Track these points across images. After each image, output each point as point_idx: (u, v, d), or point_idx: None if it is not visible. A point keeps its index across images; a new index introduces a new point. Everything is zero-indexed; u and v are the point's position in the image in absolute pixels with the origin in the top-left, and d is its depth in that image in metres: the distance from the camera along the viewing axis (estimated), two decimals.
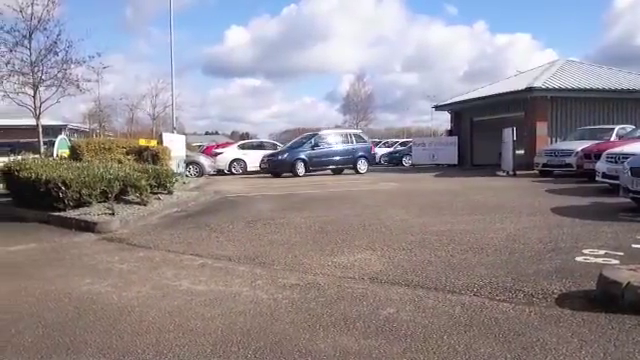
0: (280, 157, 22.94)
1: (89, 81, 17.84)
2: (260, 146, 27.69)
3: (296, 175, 21.92)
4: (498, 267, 5.38)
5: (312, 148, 22.92)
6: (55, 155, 17.74)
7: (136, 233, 8.08)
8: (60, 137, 23.43)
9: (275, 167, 22.74)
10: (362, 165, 23.75)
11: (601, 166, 11.63)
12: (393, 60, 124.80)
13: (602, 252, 5.83)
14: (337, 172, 23.49)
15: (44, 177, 9.29)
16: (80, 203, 9.37)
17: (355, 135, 25.20)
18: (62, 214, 9.05)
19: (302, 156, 22.62)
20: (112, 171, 10.39)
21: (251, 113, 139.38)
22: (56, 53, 16.53)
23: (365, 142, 25.02)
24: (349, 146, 23.79)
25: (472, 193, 12.66)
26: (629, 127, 17.76)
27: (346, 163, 23.83)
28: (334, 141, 23.79)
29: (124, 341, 3.65)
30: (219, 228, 8.34)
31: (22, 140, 22.00)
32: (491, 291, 4.59)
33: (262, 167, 23.44)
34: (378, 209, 10.11)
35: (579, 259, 5.57)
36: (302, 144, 23.54)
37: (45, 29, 16.35)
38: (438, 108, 33.21)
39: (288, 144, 25.67)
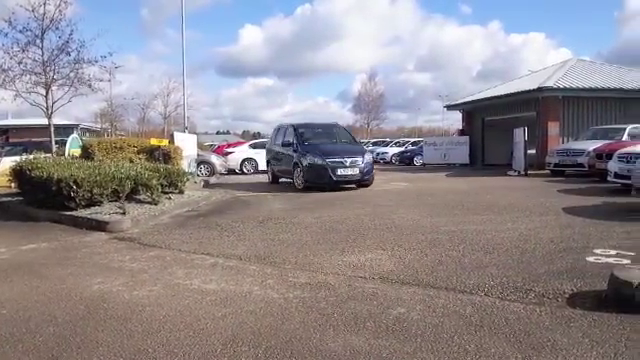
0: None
1: (101, 81, 17.90)
2: None
3: None
4: (509, 267, 5.36)
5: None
6: (67, 154, 17.86)
7: (147, 232, 8.11)
8: (72, 136, 23.56)
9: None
10: None
11: (613, 166, 11.56)
12: (406, 60, 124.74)
13: (613, 252, 5.80)
14: None
15: (56, 176, 9.35)
16: (91, 202, 9.43)
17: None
18: (73, 213, 9.11)
19: None
20: (123, 170, 10.44)
21: (263, 113, 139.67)
22: (68, 53, 16.59)
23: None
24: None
25: (483, 193, 12.61)
26: None
27: None
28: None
29: (135, 340, 3.67)
30: (230, 227, 8.36)
31: (34, 139, 22.18)
32: (502, 291, 4.57)
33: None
34: (389, 209, 10.10)
35: (590, 259, 5.54)
36: None
37: (57, 29, 16.43)
38: (450, 108, 33.07)
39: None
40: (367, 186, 14.67)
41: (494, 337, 3.55)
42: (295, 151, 15.11)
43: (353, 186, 14.51)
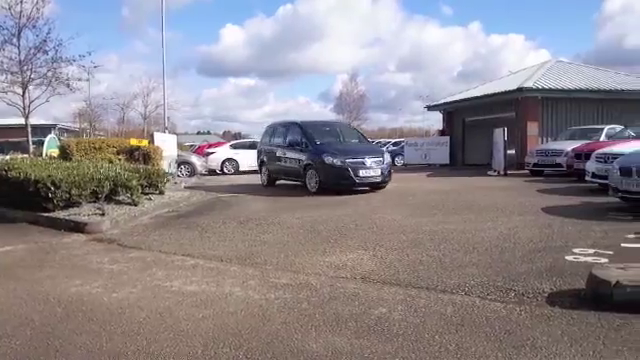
0: None
1: (80, 80, 17.74)
2: (252, 146, 27.41)
3: None
4: (489, 266, 5.40)
5: None
6: (44, 155, 17.65)
7: (127, 233, 8.03)
8: (49, 136, 23.33)
9: None
10: None
11: (591, 166, 11.69)
12: (388, 60, 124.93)
13: (592, 251, 5.87)
14: None
15: (33, 177, 9.21)
16: (70, 203, 9.31)
17: None
18: (51, 214, 8.98)
19: None
20: (102, 171, 10.33)
21: (244, 113, 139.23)
22: (46, 52, 16.43)
23: None
24: None
25: (464, 193, 12.69)
26: (618, 127, 17.81)
27: None
28: None
29: (114, 343, 3.63)
30: (211, 228, 8.31)
31: (11, 139, 21.91)
32: (482, 290, 4.60)
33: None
34: (370, 209, 10.11)
35: (569, 258, 5.60)
36: None
37: (34, 27, 16.26)
38: (431, 108, 33.22)
39: None
40: (382, 188, 13.65)
41: (475, 336, 3.57)
42: (304, 151, 13.95)
43: (366, 188, 13.43)
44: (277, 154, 15.53)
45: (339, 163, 12.94)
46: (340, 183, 12.94)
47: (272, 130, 16.66)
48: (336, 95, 75.19)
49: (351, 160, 13.04)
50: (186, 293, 4.81)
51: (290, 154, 14.72)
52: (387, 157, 13.90)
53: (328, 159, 13.05)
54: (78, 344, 3.62)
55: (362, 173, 12.95)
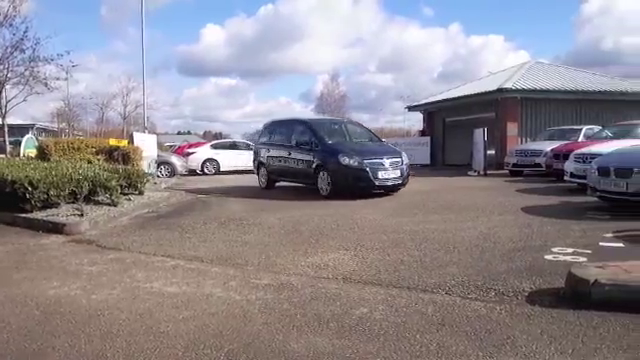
0: None
1: (58, 79, 17.54)
2: (233, 146, 27.47)
3: None
4: (470, 266, 5.43)
5: None
6: (22, 155, 17.42)
7: (106, 234, 7.95)
8: (27, 136, 23.04)
9: None
10: None
11: (569, 166, 11.85)
12: (369, 61, 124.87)
13: (570, 250, 5.93)
14: None
15: (10, 177, 9.08)
16: (48, 204, 9.18)
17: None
18: (29, 215, 8.85)
19: None
20: (81, 171, 10.21)
21: (225, 113, 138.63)
22: (23, 50, 16.24)
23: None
24: None
25: (444, 193, 12.77)
26: (596, 128, 18.07)
27: None
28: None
29: (93, 345, 3.58)
30: (191, 229, 8.26)
31: None
32: (463, 290, 4.63)
33: None
34: (351, 209, 10.12)
35: (548, 257, 5.66)
36: None
37: (11, 25, 16.04)
38: (411, 109, 33.42)
39: None
40: (397, 190, 12.60)
41: (455, 335, 3.58)
42: (313, 151, 12.85)
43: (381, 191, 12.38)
44: (279, 154, 14.44)
45: (356, 164, 11.93)
46: (357, 186, 11.96)
47: (272, 128, 15.68)
48: (317, 95, 75.26)
49: (369, 161, 12.02)
50: (166, 294, 4.77)
51: (296, 154, 13.58)
52: (405, 157, 12.82)
53: (344, 160, 12.00)
54: (56, 346, 3.57)
55: (381, 175, 11.98)
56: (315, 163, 12.74)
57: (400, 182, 12.33)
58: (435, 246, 6.45)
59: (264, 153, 15.31)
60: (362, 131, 14.87)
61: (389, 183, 12.17)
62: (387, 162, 12.19)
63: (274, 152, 14.75)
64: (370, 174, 11.83)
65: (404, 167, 12.47)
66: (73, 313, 4.28)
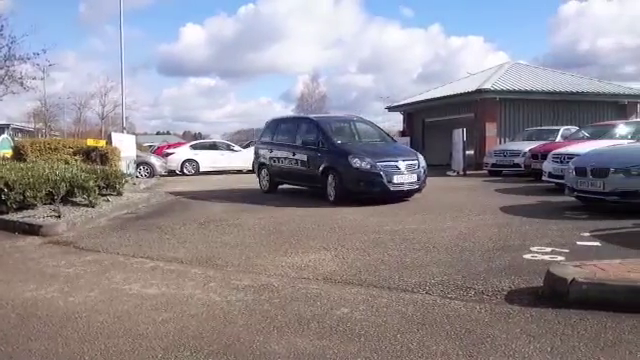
0: None
1: (34, 79, 17.28)
2: (213, 146, 27.32)
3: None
4: (449, 265, 5.46)
5: None
6: None
7: (84, 236, 7.85)
8: (2, 137, 22.68)
9: None
10: None
11: (547, 166, 11.98)
12: (349, 61, 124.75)
13: (549, 249, 5.99)
14: None
15: None
16: (24, 205, 9.04)
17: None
18: (4, 217, 8.71)
19: None
20: (58, 172, 10.06)
21: (205, 113, 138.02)
22: None
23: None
24: None
25: (424, 193, 12.80)
26: (573, 128, 18.33)
27: None
28: None
29: (70, 348, 3.53)
30: (170, 230, 8.19)
31: None
32: (443, 289, 4.65)
33: None
34: (331, 209, 10.12)
35: (527, 256, 5.71)
36: None
37: None
38: (391, 109, 33.56)
39: None
40: (411, 196, 11.48)
41: (436, 335, 3.59)
42: (320, 152, 11.78)
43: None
44: (283, 155, 13.27)
45: (368, 167, 10.80)
46: (370, 191, 10.87)
47: (275, 126, 14.44)
48: (297, 96, 75.26)
49: (383, 163, 10.92)
50: (145, 296, 4.72)
51: (301, 155, 12.45)
52: (422, 159, 11.64)
53: (355, 162, 10.87)
54: (33, 350, 3.52)
55: (397, 179, 10.83)
56: (323, 165, 11.60)
57: (417, 187, 11.26)
58: (415, 246, 6.47)
59: (266, 153, 14.11)
60: (373, 130, 13.55)
61: (405, 188, 11.04)
62: (403, 165, 11.07)
63: (277, 152, 13.58)
64: (384, 178, 10.71)
65: (421, 170, 11.33)
66: (50, 316, 4.22)
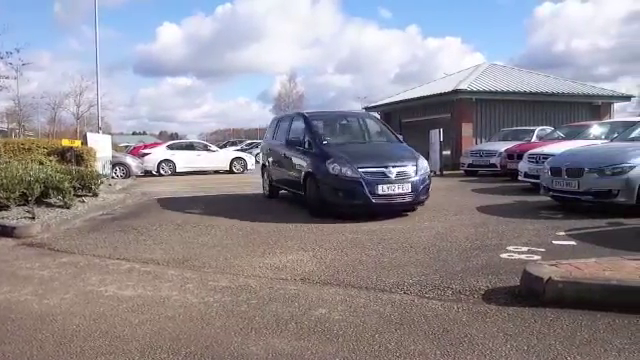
0: None
1: (7, 78, 16.98)
2: (190, 147, 27.15)
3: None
4: (427, 265, 5.49)
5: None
6: None
7: (59, 237, 7.74)
8: None
9: None
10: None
11: (523, 166, 12.14)
12: (327, 62, 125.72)
13: (525, 249, 6.06)
14: None
15: None
16: None
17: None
18: None
19: None
20: (32, 173, 9.91)
21: (181, 113, 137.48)
22: None
23: None
24: None
25: None
26: (548, 128, 18.58)
27: None
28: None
29: (45, 351, 3.48)
30: (147, 231, 8.11)
31: None
32: (420, 289, 4.67)
33: None
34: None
35: (504, 256, 5.76)
36: None
37: None
38: (368, 109, 33.50)
39: None
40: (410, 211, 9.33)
41: (414, 334, 3.61)
42: (307, 154, 9.86)
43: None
44: (278, 156, 11.69)
45: (348, 173, 8.71)
46: (349, 203, 8.78)
47: (276, 124, 12.71)
48: (275, 96, 75.22)
49: (366, 169, 8.75)
50: (121, 298, 4.67)
51: (290, 157, 10.69)
52: (422, 163, 9.31)
53: (334, 167, 8.86)
54: (7, 353, 3.45)
55: (382, 189, 8.59)
56: (305, 169, 9.77)
57: (411, 200, 8.88)
58: (392, 246, 6.50)
59: (266, 154, 12.87)
60: (377, 128, 11.51)
61: (394, 201, 8.77)
62: (393, 171, 8.79)
63: (272, 153, 12.19)
64: (365, 188, 8.55)
65: (418, 179, 8.92)
66: (24, 319, 4.15)
